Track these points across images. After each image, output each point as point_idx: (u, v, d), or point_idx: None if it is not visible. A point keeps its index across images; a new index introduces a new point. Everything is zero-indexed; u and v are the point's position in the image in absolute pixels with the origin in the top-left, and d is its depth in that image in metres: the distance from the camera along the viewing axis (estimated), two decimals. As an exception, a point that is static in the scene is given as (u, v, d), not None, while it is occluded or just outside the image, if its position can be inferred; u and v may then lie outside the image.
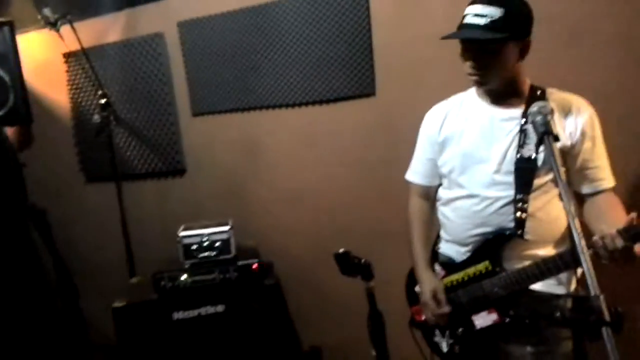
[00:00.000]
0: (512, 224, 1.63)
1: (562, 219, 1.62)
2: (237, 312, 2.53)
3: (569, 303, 1.65)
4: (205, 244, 2.58)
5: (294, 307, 2.88)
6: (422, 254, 1.91)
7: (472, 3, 1.59)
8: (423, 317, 1.90)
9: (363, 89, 2.62)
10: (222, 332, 2.52)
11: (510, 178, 1.62)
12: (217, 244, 2.58)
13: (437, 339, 1.87)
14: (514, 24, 1.53)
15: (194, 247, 2.57)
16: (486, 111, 1.71)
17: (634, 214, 1.41)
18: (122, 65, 3.07)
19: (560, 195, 1.25)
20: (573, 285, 1.67)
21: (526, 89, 1.68)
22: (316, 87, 2.70)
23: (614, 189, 1.66)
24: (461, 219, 1.75)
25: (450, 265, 1.82)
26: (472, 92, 1.79)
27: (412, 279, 1.98)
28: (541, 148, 1.53)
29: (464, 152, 1.72)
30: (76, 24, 2.86)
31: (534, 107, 1.48)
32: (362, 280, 1.57)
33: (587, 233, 1.48)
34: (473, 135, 1.71)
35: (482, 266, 1.70)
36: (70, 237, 3.16)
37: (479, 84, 1.66)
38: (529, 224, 1.61)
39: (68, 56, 3.19)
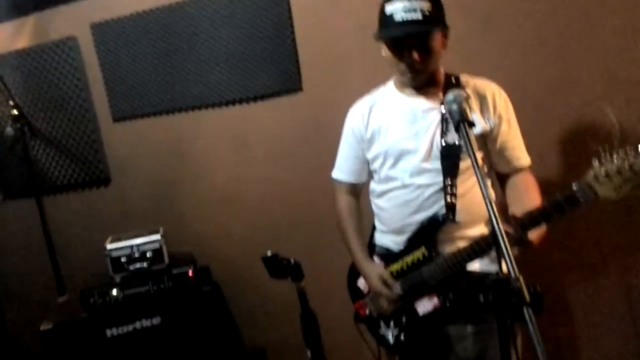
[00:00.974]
0: (444, 209, 1.67)
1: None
2: (175, 323, 2.47)
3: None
4: (136, 255, 2.50)
5: (236, 310, 2.84)
6: (360, 246, 1.91)
7: (390, 1, 1.58)
8: (367, 311, 1.91)
9: (290, 84, 2.58)
10: (160, 344, 2.45)
11: (438, 165, 1.67)
12: (149, 254, 2.51)
13: (383, 330, 1.88)
14: (440, 13, 1.61)
15: (124, 259, 2.49)
16: (408, 103, 1.74)
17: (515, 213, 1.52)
18: (33, 72, 2.89)
19: (482, 179, 1.29)
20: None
21: (441, 77, 1.72)
22: (241, 84, 2.64)
23: (531, 167, 1.75)
24: (396, 208, 1.77)
25: (388, 256, 1.83)
26: (391, 85, 1.81)
27: (353, 274, 1.98)
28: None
29: (392, 145, 1.74)
30: (-21, 31, 2.68)
31: (450, 95, 1.49)
32: (292, 281, 1.55)
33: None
34: (399, 128, 1.74)
35: (419, 253, 1.72)
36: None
37: (416, 78, 1.67)
38: (459, 207, 1.66)
39: (-27, 66, 2.97)
